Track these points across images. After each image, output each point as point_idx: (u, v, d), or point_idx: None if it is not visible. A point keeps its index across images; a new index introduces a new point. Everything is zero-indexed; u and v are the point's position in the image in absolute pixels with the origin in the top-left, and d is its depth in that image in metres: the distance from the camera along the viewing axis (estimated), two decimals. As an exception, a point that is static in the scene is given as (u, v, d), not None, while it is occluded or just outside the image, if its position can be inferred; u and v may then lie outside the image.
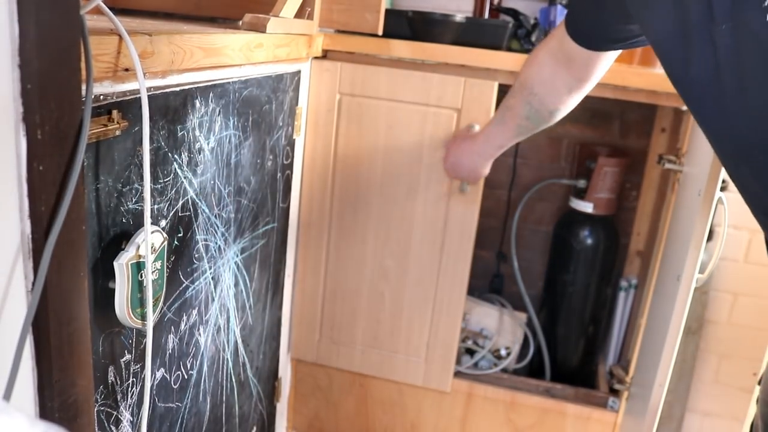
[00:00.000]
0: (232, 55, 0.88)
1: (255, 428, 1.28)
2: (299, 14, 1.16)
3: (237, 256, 1.05)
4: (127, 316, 0.69)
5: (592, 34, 0.92)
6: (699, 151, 1.14)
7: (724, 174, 1.01)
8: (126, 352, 0.74)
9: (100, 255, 0.67)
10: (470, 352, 1.63)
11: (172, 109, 0.77)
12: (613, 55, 0.96)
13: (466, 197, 1.31)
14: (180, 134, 0.81)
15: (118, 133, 0.65)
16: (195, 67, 0.80)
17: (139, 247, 0.69)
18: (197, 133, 0.85)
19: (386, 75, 1.28)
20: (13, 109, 0.48)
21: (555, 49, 0.99)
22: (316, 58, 1.29)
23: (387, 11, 1.30)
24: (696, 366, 1.70)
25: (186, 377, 0.94)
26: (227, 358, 1.08)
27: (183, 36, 0.75)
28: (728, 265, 1.63)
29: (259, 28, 0.98)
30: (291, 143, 1.22)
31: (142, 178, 0.73)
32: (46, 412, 0.56)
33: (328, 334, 1.47)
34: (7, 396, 0.48)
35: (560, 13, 1.49)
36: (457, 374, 1.48)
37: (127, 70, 0.64)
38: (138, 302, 0.70)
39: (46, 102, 0.50)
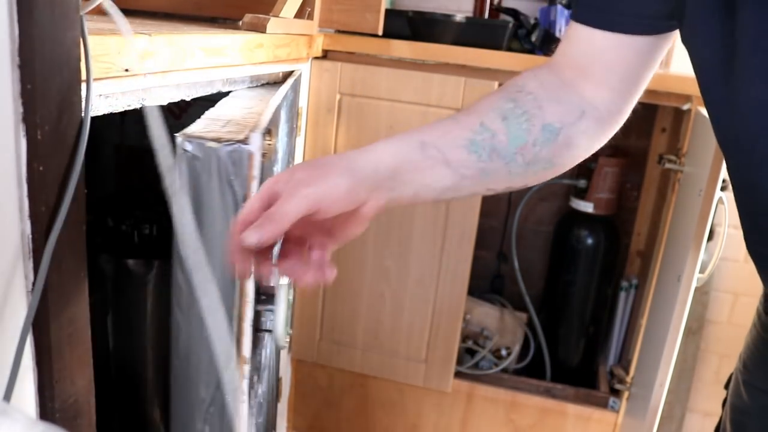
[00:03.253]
0: (232, 55, 0.88)
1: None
2: (299, 14, 1.16)
3: (237, 256, 1.05)
4: (284, 337, 0.69)
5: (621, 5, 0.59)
6: (699, 150, 1.14)
7: (724, 174, 1.01)
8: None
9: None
10: (471, 353, 1.63)
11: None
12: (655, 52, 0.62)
13: (467, 197, 1.31)
14: (180, 134, 0.81)
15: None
16: (195, 67, 0.80)
17: None
18: (197, 133, 0.85)
19: (386, 75, 1.28)
20: (13, 109, 0.48)
21: (555, 61, 0.66)
22: (316, 58, 1.29)
23: (387, 11, 1.30)
24: (696, 366, 1.70)
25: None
26: (227, 359, 1.08)
27: (183, 36, 0.75)
28: (729, 265, 1.63)
29: (259, 28, 0.98)
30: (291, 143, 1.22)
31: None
32: (46, 413, 0.56)
33: (329, 334, 1.47)
34: (8, 396, 0.48)
35: (560, 13, 1.49)
36: (458, 374, 1.48)
37: (126, 70, 0.64)
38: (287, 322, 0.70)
39: (46, 102, 0.50)
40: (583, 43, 0.63)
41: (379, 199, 0.55)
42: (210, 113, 0.76)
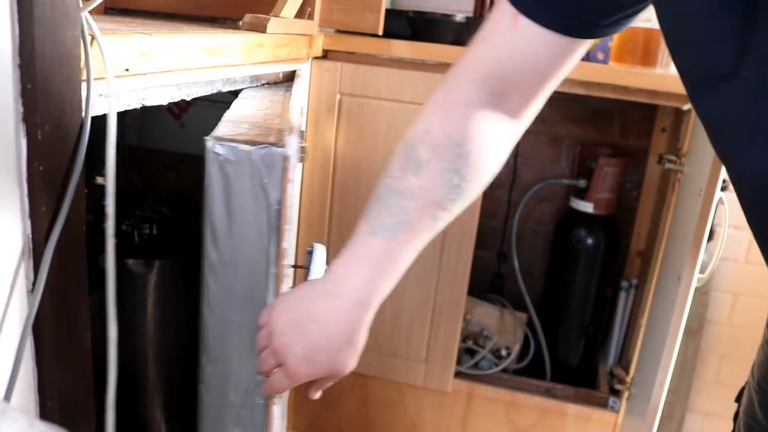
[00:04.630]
0: (232, 55, 0.88)
1: (255, 428, 1.28)
2: (299, 14, 1.16)
3: (237, 256, 1.05)
4: None
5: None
6: (699, 151, 1.14)
7: (724, 174, 1.01)
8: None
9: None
10: (471, 353, 1.62)
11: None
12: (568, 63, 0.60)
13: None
14: (180, 134, 0.81)
15: (118, 133, 0.65)
16: (195, 67, 0.80)
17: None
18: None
19: (387, 75, 1.28)
20: (13, 109, 0.48)
21: (485, 71, 0.60)
22: (316, 58, 1.29)
23: (387, 11, 1.30)
24: (696, 366, 1.70)
25: (186, 377, 0.93)
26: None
27: (183, 36, 0.75)
28: (729, 266, 1.63)
29: (260, 28, 0.98)
30: (291, 143, 1.22)
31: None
32: (46, 412, 0.56)
33: (329, 334, 1.47)
34: (8, 396, 0.48)
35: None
36: (458, 374, 1.48)
37: (127, 70, 0.64)
38: None
39: (46, 102, 0.50)
40: (525, 46, 0.58)
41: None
42: (228, 115, 0.75)
